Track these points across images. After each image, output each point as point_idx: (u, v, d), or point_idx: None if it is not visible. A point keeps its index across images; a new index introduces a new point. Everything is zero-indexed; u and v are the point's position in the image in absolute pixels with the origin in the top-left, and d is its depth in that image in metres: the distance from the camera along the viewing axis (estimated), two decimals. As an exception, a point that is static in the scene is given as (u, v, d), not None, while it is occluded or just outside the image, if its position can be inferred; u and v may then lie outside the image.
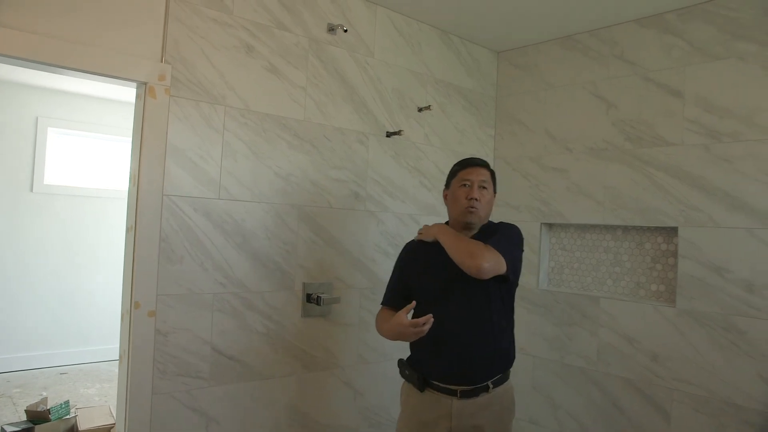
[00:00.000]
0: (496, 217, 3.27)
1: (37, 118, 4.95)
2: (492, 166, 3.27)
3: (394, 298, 2.07)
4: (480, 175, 1.99)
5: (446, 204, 2.09)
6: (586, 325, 2.88)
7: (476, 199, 1.94)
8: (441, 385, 1.92)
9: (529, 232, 3.17)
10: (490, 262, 1.79)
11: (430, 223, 2.16)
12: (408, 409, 2.02)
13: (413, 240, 2.15)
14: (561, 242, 3.14)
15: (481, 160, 2.07)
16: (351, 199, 2.66)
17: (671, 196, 2.61)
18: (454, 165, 2.09)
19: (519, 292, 3.16)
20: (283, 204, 2.43)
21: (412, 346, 2.04)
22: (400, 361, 2.08)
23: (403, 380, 2.07)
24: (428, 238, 2.00)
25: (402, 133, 2.78)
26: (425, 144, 2.95)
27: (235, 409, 2.29)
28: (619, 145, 2.81)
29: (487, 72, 3.32)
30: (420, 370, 1.97)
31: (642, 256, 2.81)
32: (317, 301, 2.46)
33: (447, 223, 2.09)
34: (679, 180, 2.59)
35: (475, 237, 1.99)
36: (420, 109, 2.92)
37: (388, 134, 2.78)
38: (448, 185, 2.09)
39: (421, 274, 2.00)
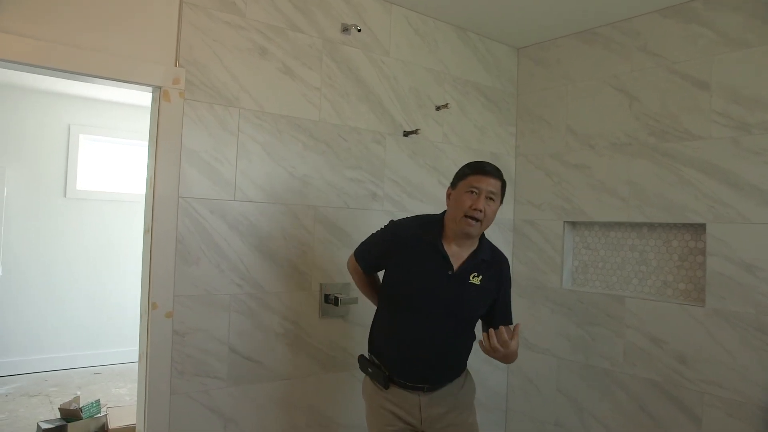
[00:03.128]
0: (520, 215, 3.25)
1: (69, 126, 5.11)
2: (514, 164, 3.28)
3: (370, 264, 2.05)
4: (490, 185, 1.85)
5: (447, 203, 1.95)
6: (611, 325, 2.80)
7: (480, 210, 1.82)
8: (407, 383, 1.92)
9: (552, 230, 3.11)
10: None
11: None
12: (375, 404, 1.98)
13: (405, 220, 2.02)
14: (585, 241, 3.07)
15: (495, 168, 1.90)
16: (368, 199, 2.65)
17: (699, 192, 2.51)
18: (466, 166, 1.93)
19: (543, 293, 3.12)
20: (299, 205, 2.43)
21: (378, 343, 2.01)
22: (362, 358, 2.05)
23: (365, 376, 2.04)
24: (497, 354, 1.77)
25: (419, 131, 2.75)
26: (444, 143, 2.92)
27: (254, 410, 2.30)
28: (643, 139, 2.72)
29: (506, 69, 3.26)
30: (385, 368, 1.94)
31: (669, 254, 2.72)
32: (335, 301, 2.46)
33: (443, 216, 1.95)
34: (706, 175, 2.49)
35: (475, 259, 1.90)
36: (438, 108, 2.89)
37: (405, 133, 2.76)
38: (454, 185, 1.93)
39: (413, 269, 1.89)
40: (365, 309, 2.61)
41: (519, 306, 3.21)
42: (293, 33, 2.41)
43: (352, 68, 2.59)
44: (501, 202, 1.93)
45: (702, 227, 2.55)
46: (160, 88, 2.09)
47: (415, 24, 2.83)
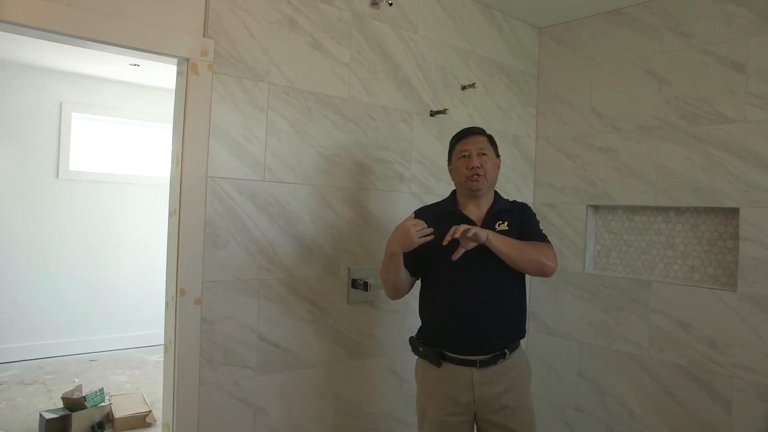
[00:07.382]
0: (541, 198, 3.20)
1: (61, 103, 4.88)
2: (534, 147, 3.21)
3: (409, 263, 1.96)
4: (477, 143, 1.97)
5: (452, 178, 2.07)
6: (636, 310, 2.77)
7: (478, 167, 1.93)
8: (459, 357, 1.89)
9: (574, 214, 3.06)
10: (555, 262, 1.90)
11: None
12: (427, 385, 1.98)
13: (422, 208, 2.11)
14: (607, 225, 3.03)
15: (477, 128, 2.06)
16: (396, 181, 2.56)
17: (732, 176, 2.48)
18: (451, 139, 2.07)
19: (564, 276, 3.08)
20: (328, 186, 2.33)
21: (425, 321, 2.03)
22: (412, 339, 2.04)
23: (417, 357, 2.03)
24: (469, 245, 1.82)
25: (447, 112, 2.66)
26: (469, 124, 2.83)
27: (282, 399, 2.22)
28: (673, 122, 2.67)
29: (529, 49, 3.18)
30: (435, 344, 1.93)
31: (697, 238, 2.69)
32: (364, 286, 2.37)
33: (455, 192, 2.07)
34: (740, 158, 2.45)
35: (494, 209, 1.98)
36: (464, 87, 2.80)
37: (432, 113, 2.67)
38: (449, 160, 2.07)
39: (437, 243, 1.85)
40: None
41: (540, 290, 3.18)
42: (323, 5, 2.29)
43: (380, 44, 2.48)
44: (498, 156, 2.04)
45: (734, 212, 2.52)
46: (187, 60, 1.96)
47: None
